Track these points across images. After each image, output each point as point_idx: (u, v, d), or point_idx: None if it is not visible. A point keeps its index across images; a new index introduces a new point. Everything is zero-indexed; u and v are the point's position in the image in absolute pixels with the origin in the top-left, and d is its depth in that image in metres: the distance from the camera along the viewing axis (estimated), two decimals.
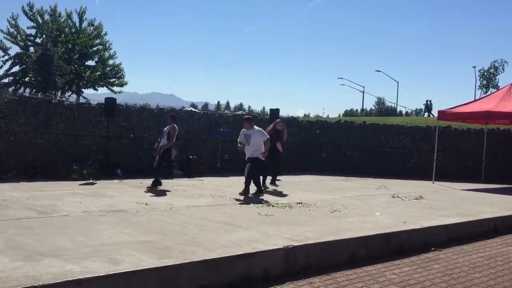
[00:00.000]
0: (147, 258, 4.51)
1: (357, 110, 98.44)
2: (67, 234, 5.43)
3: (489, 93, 39.69)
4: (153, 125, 14.14)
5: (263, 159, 9.82)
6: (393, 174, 16.02)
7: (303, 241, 5.49)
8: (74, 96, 33.43)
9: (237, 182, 10.17)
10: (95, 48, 34.19)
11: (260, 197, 9.40)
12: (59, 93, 30.57)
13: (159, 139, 10.78)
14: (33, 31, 32.60)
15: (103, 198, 8.59)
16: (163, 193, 9.62)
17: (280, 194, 10.22)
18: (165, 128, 10.64)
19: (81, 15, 33.44)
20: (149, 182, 10.32)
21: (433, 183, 14.33)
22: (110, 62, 34.92)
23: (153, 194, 9.35)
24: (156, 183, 10.21)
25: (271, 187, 11.14)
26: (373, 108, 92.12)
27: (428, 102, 38.30)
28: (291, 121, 17.69)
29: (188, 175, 13.29)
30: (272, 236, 5.69)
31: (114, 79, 35.01)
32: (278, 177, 11.94)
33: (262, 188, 10.17)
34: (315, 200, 9.14)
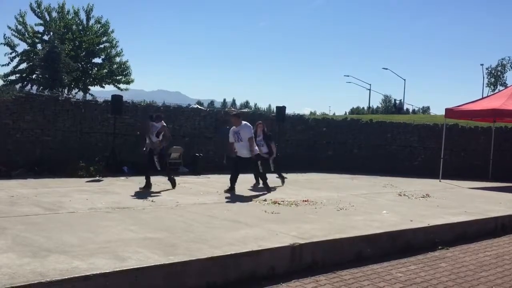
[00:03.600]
0: (154, 255, 4.52)
1: (363, 108, 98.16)
2: (74, 231, 5.46)
3: (497, 91, 39.50)
4: None
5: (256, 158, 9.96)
6: (399, 172, 15.96)
7: (309, 239, 5.48)
8: (81, 93, 33.52)
9: (243, 180, 10.16)
10: (102, 46, 34.26)
11: (266, 194, 9.42)
12: (66, 91, 30.66)
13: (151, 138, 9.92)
14: (40, 28, 32.76)
15: (110, 195, 8.62)
16: (169, 190, 9.64)
17: (286, 192, 10.22)
18: (157, 124, 9.99)
19: (88, 12, 33.52)
20: (155, 179, 10.23)
21: (440, 181, 14.26)
22: (117, 59, 35.01)
23: (159, 192, 9.37)
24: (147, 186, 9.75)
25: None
26: (380, 106, 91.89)
27: (397, 102, 39.65)
28: (298, 119, 17.68)
29: (194, 173, 13.32)
30: (278, 233, 5.69)
31: (120, 77, 35.08)
32: (284, 175, 11.93)
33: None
34: (321, 198, 9.13)
